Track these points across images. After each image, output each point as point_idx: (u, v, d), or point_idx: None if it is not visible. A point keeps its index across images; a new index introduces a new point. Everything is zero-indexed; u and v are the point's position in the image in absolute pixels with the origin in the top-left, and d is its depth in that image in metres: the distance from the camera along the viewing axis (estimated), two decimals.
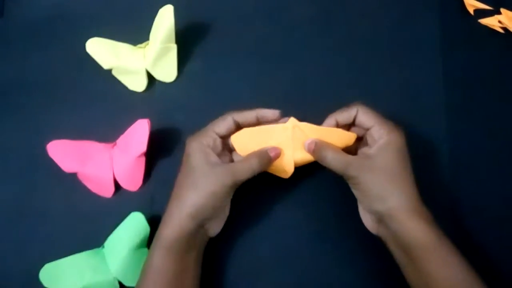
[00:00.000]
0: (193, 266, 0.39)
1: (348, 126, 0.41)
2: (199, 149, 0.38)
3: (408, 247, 0.35)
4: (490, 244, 0.43)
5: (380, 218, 0.37)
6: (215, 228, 0.40)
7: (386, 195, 0.35)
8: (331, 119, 0.40)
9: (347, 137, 0.39)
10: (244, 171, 0.37)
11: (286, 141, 0.39)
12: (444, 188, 0.45)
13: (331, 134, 0.39)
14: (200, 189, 0.37)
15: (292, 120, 0.40)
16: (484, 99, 0.48)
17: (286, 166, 0.40)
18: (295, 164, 0.40)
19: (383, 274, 0.42)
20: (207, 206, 0.37)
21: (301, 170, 0.41)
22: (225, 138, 0.40)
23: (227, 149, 0.41)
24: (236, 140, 0.39)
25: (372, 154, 0.37)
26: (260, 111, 0.39)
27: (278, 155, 0.39)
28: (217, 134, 0.39)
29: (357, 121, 0.39)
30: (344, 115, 0.39)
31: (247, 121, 0.40)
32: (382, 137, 0.37)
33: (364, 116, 0.38)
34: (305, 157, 0.40)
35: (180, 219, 0.37)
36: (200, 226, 0.38)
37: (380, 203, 0.36)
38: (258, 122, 0.40)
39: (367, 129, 0.39)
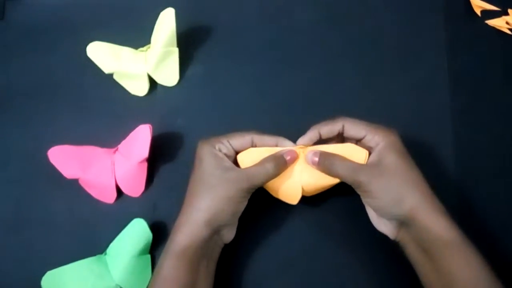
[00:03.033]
0: (205, 276, 0.37)
1: (341, 141, 0.40)
2: (211, 153, 0.37)
3: (430, 246, 0.35)
4: (498, 247, 0.43)
5: (401, 222, 0.36)
6: (229, 234, 0.39)
7: (402, 198, 0.35)
8: (314, 132, 0.39)
9: (359, 153, 0.38)
10: (260, 175, 0.37)
11: (294, 166, 0.39)
12: (450, 191, 0.45)
13: (341, 152, 0.38)
14: (215, 194, 0.36)
15: (300, 145, 0.39)
16: (490, 101, 0.47)
17: (293, 191, 0.40)
18: (303, 189, 0.40)
19: (388, 280, 0.42)
20: (223, 211, 0.36)
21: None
22: (237, 153, 0.39)
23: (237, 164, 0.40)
24: (243, 159, 0.39)
25: (375, 161, 0.36)
26: (281, 141, 0.39)
27: (293, 159, 0.39)
28: (231, 146, 0.39)
29: (346, 135, 0.39)
30: (327, 128, 0.39)
31: (264, 144, 0.39)
32: (379, 143, 0.37)
33: (352, 128, 0.38)
34: (314, 183, 0.39)
35: (195, 225, 0.36)
36: (214, 232, 0.37)
37: (397, 207, 0.35)
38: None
39: (359, 140, 0.38)
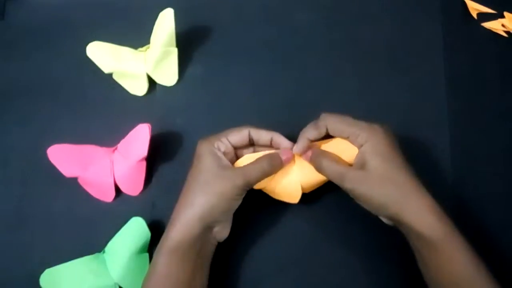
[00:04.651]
0: (199, 274, 0.37)
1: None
2: (210, 151, 0.38)
3: (416, 244, 0.35)
4: (494, 247, 0.43)
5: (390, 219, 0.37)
6: (223, 232, 0.39)
7: (385, 203, 0.35)
8: (303, 140, 0.39)
9: (350, 151, 0.38)
10: (255, 172, 0.37)
11: (291, 166, 0.40)
12: (446, 192, 0.45)
13: (334, 148, 0.38)
14: (210, 190, 0.36)
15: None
16: (487, 103, 0.48)
17: (293, 191, 0.40)
18: (302, 187, 0.40)
19: (387, 278, 0.42)
20: (217, 208, 0.36)
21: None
22: (236, 149, 0.40)
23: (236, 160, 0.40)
24: (239, 165, 0.39)
25: (359, 165, 0.36)
26: (277, 137, 0.39)
27: (289, 159, 0.39)
28: (229, 142, 0.39)
29: (331, 134, 0.38)
30: (314, 133, 0.38)
31: (261, 140, 0.39)
32: (363, 143, 0.36)
33: (335, 129, 0.38)
34: (312, 179, 0.40)
35: (187, 220, 0.36)
36: (208, 229, 0.37)
37: (383, 211, 0.36)
38: (269, 145, 0.40)
39: (345, 138, 0.38)
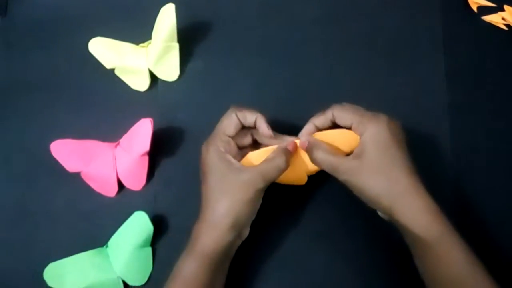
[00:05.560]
0: (221, 277, 0.38)
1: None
2: (218, 156, 0.37)
3: (411, 243, 0.35)
4: (494, 242, 0.43)
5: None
6: (246, 232, 0.39)
7: (378, 195, 0.35)
8: (310, 125, 0.39)
9: (353, 139, 0.38)
10: (272, 171, 0.37)
11: (295, 155, 0.40)
12: (447, 186, 0.45)
13: (337, 138, 0.39)
14: (234, 198, 0.36)
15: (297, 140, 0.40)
16: (487, 97, 0.48)
17: (298, 179, 0.41)
18: (307, 174, 0.41)
19: (387, 276, 0.43)
20: (246, 213, 0.37)
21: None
22: (234, 138, 0.40)
23: (239, 149, 0.41)
24: (246, 164, 0.39)
25: (357, 155, 0.36)
26: (259, 119, 0.39)
27: (295, 148, 0.39)
28: (228, 136, 0.39)
29: (338, 123, 0.39)
30: (321, 120, 0.39)
31: (246, 121, 0.39)
32: (364, 131, 0.36)
33: (340, 117, 0.38)
34: (315, 167, 0.40)
35: (219, 230, 0.36)
36: (238, 234, 0.37)
37: (376, 204, 0.35)
38: (254, 126, 0.40)
39: (349, 128, 0.38)
